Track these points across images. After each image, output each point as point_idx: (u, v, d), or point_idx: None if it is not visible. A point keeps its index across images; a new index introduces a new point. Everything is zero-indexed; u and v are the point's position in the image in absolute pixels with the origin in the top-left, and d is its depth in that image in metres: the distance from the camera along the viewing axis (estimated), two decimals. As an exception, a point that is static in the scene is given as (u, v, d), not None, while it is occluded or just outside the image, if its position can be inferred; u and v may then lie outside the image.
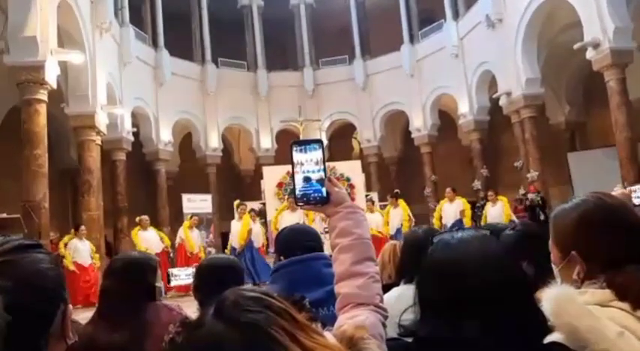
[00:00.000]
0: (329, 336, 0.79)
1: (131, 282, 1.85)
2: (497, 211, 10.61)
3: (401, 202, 11.54)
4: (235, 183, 19.24)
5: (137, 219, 10.72)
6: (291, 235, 1.88)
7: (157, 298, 1.95)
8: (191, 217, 11.59)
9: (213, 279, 1.92)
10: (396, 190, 11.45)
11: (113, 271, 1.91)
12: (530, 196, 11.78)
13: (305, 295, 1.16)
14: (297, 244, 1.78)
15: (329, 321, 1.04)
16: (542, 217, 10.97)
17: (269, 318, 0.69)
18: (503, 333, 0.93)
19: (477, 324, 0.93)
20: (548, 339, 0.96)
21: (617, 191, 2.04)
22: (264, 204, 13.56)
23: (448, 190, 11.25)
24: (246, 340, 0.66)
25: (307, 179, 1.12)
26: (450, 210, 10.92)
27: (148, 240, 10.32)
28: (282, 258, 1.79)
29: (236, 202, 10.47)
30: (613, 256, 1.04)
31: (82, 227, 9.97)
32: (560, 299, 0.98)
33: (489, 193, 11.26)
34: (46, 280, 0.81)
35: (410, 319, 1.07)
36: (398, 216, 11.20)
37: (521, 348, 0.94)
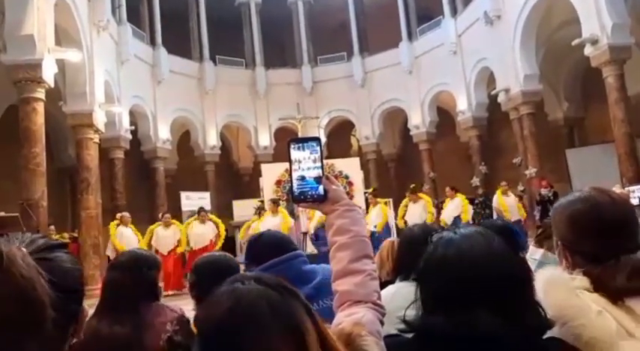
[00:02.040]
0: None
1: (136, 277, 1.87)
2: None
3: (424, 195, 11.08)
4: (234, 181, 19.24)
5: (118, 215, 10.34)
6: (276, 241, 1.84)
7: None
8: (163, 215, 10.78)
9: (210, 276, 1.91)
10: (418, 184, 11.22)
11: (120, 264, 1.94)
12: (542, 191, 11.78)
13: None
14: (285, 249, 1.76)
15: (320, 315, 1.05)
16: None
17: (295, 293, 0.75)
18: (508, 328, 0.94)
19: (482, 319, 0.94)
20: (549, 334, 0.99)
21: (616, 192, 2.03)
22: (262, 201, 13.56)
23: (447, 188, 11.03)
24: (286, 300, 0.72)
25: (305, 177, 1.12)
26: (415, 210, 10.45)
27: (128, 237, 9.84)
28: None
29: (271, 199, 10.64)
30: (595, 252, 1.13)
31: (51, 227, 10.07)
32: (551, 280, 1.09)
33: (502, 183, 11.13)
34: (76, 281, 0.81)
35: (411, 314, 1.07)
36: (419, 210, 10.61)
37: (525, 343, 0.95)
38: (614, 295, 1.06)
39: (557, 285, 1.06)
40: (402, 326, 1.05)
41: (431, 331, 0.99)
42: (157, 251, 9.62)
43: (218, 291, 0.74)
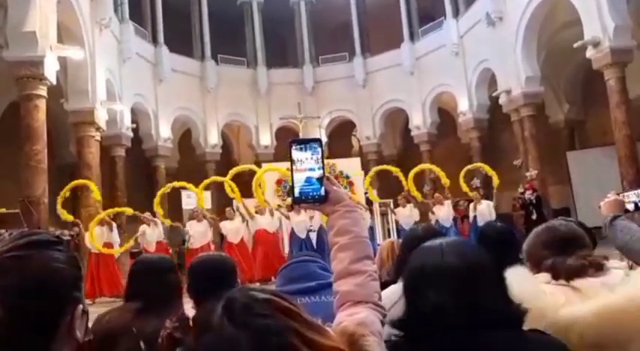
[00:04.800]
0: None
1: (167, 279, 2.03)
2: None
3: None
4: (234, 179, 19.16)
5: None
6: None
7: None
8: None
9: (206, 277, 1.93)
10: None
11: (148, 268, 2.08)
12: (526, 195, 11.82)
13: (299, 286, 1.22)
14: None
15: (318, 307, 1.06)
16: (534, 217, 10.98)
17: (281, 322, 0.69)
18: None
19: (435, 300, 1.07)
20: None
21: (610, 198, 2.19)
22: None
23: (437, 195, 11.54)
24: (259, 346, 0.66)
25: (306, 178, 1.12)
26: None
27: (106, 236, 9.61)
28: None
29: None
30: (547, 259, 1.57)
31: None
32: (517, 275, 1.38)
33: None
34: (52, 280, 0.77)
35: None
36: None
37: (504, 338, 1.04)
38: (565, 276, 1.45)
39: (521, 277, 1.38)
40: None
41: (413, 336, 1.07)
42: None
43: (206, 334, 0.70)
